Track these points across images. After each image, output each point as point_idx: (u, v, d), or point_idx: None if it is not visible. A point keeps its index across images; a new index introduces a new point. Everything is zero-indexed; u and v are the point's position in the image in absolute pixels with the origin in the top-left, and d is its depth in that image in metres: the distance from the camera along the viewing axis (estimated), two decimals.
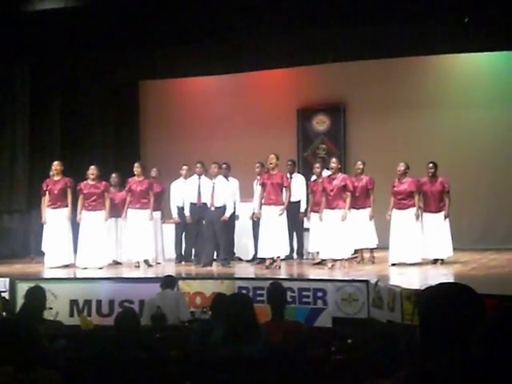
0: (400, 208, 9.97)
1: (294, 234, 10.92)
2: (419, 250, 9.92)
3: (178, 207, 11.15)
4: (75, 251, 10.32)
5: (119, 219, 10.83)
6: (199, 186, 10.74)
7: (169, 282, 7.64)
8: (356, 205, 10.27)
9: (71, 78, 13.18)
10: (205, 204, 10.59)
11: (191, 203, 10.78)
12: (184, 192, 10.97)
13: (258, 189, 10.26)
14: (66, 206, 10.43)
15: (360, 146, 13.09)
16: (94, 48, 12.17)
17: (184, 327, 6.59)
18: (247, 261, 11.16)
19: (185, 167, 11.33)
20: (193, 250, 11.11)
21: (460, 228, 10.87)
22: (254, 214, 10.23)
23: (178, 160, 12.15)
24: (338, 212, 9.58)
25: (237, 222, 11.18)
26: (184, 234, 11.21)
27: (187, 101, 14.32)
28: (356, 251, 10.46)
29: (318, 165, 10.77)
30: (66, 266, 10.36)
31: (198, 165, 10.80)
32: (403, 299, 7.15)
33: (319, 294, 8.21)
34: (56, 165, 10.53)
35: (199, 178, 10.83)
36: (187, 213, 10.80)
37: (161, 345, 4.91)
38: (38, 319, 5.61)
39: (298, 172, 11.80)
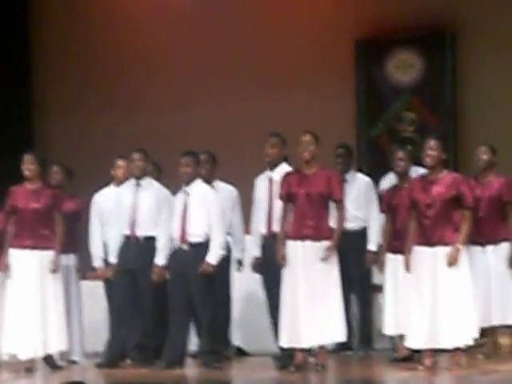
0: None
1: (354, 298, 8.02)
2: None
3: (105, 245, 8.02)
4: None
5: None
6: (135, 204, 7.47)
7: None
8: (482, 236, 7.38)
9: None
10: (150, 239, 7.46)
11: (125, 236, 7.67)
12: (114, 215, 7.84)
13: (276, 205, 7.19)
14: None
15: (485, 111, 9.37)
16: None
17: None
18: (258, 355, 8.21)
19: (120, 163, 7.93)
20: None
21: None
22: (257, 259, 7.25)
23: (107, 148, 9.50)
24: (444, 251, 6.84)
25: (237, 276, 8.02)
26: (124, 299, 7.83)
27: (124, 26, 10.40)
28: (483, 332, 7.34)
29: (401, 154, 7.78)
30: None
31: (137, 156, 7.47)
32: None
33: None
34: None
35: (138, 185, 7.51)
36: (112, 257, 7.72)
37: None
38: None
39: (360, 170, 8.60)
